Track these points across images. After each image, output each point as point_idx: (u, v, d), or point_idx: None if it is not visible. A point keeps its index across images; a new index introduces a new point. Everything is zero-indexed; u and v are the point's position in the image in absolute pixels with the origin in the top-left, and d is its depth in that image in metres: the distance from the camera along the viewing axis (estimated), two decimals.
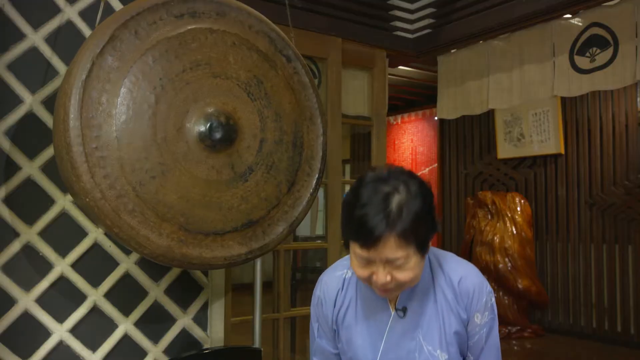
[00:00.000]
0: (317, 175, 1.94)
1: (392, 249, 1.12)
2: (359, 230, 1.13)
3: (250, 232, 1.79)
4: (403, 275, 1.17)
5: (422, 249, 1.18)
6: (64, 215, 1.97)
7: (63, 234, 1.97)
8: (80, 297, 1.99)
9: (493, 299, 1.31)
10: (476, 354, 1.31)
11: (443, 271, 1.31)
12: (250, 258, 1.81)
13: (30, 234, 1.91)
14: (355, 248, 1.18)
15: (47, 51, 1.96)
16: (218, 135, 1.68)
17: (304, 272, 5.69)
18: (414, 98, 7.01)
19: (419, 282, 1.27)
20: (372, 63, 3.59)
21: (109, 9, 2.05)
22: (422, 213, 1.13)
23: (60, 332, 1.94)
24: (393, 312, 1.30)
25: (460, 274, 1.30)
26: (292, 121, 1.88)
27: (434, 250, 1.35)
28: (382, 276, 1.17)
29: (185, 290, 2.22)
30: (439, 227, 1.20)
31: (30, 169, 1.92)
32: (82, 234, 2.00)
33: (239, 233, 1.77)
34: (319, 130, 1.95)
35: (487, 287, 1.30)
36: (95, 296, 2.01)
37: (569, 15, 3.25)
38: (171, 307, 2.17)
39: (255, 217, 1.80)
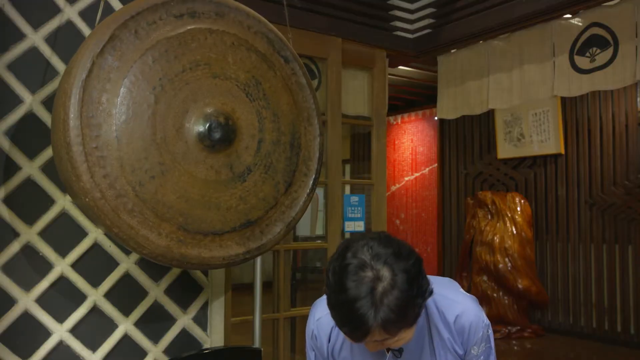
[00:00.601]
0: (314, 176, 1.95)
1: (379, 336, 1.11)
2: (344, 323, 1.12)
3: (248, 232, 1.79)
4: (394, 345, 1.17)
5: (411, 326, 1.15)
6: (64, 215, 1.97)
7: (63, 234, 1.97)
8: (80, 297, 1.99)
9: (490, 331, 1.31)
10: None
11: (438, 309, 1.29)
12: (249, 258, 1.81)
13: (30, 234, 1.91)
14: None
15: (47, 51, 1.96)
16: (217, 135, 1.68)
17: (304, 272, 5.69)
18: (414, 98, 7.01)
19: None
20: (372, 63, 3.59)
21: (108, 9, 2.06)
22: (408, 299, 1.09)
23: (60, 332, 1.94)
24: (388, 354, 1.30)
25: (456, 312, 1.27)
26: (290, 122, 1.89)
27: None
28: (372, 347, 1.18)
29: (185, 290, 2.22)
30: (430, 292, 1.15)
31: (30, 169, 1.92)
32: (82, 234, 2.01)
33: (237, 233, 1.77)
34: (316, 131, 1.96)
35: (483, 320, 1.29)
36: (95, 296, 2.01)
37: (569, 15, 3.25)
38: (171, 307, 2.17)
39: (254, 217, 1.80)
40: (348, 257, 1.12)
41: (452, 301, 1.30)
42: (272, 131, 1.84)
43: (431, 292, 1.15)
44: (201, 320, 2.25)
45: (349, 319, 1.09)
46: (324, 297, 1.38)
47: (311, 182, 1.94)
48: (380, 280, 1.08)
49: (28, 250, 1.90)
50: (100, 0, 2.02)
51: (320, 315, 1.39)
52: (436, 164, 6.93)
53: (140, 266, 2.10)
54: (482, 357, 1.31)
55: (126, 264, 2.08)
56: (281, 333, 3.18)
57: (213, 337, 2.27)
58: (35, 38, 1.94)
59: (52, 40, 1.97)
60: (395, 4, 3.63)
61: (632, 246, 4.98)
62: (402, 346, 1.26)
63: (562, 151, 5.48)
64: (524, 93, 3.53)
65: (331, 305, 1.14)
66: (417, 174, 7.30)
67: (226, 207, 1.74)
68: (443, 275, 6.24)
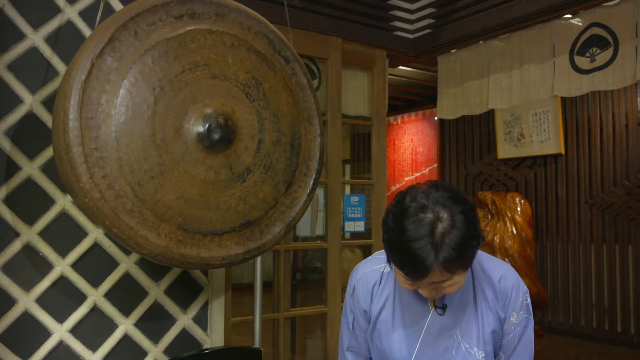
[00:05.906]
0: (314, 176, 1.95)
1: (437, 276, 1.14)
2: (405, 263, 1.14)
3: (247, 232, 1.80)
4: (448, 290, 1.20)
5: (467, 268, 1.20)
6: (64, 215, 1.98)
7: (63, 234, 1.97)
8: (80, 297, 1.99)
9: (529, 299, 1.33)
10: (508, 353, 1.32)
11: (483, 270, 1.33)
12: (248, 258, 1.81)
13: (30, 234, 1.91)
14: (400, 273, 1.20)
15: (47, 51, 1.96)
16: (216, 136, 1.68)
17: (304, 272, 5.70)
18: (414, 98, 7.01)
19: None
20: (372, 63, 3.60)
21: (108, 9, 2.06)
22: (466, 239, 1.13)
23: (60, 332, 1.95)
24: (432, 310, 1.31)
25: (500, 273, 1.32)
26: (290, 122, 1.89)
27: None
28: (427, 292, 1.21)
29: (185, 290, 2.22)
30: (482, 238, 1.19)
31: (30, 169, 1.92)
32: (82, 234, 2.01)
33: (236, 233, 1.77)
34: (317, 131, 1.96)
35: (523, 287, 1.32)
36: (95, 296, 2.01)
37: (569, 15, 3.25)
38: (171, 307, 2.18)
39: (253, 217, 1.80)
40: (407, 201, 1.16)
41: (497, 263, 1.34)
42: (272, 131, 1.84)
43: (483, 238, 1.19)
44: (201, 320, 2.26)
45: (410, 259, 1.12)
46: (367, 258, 1.43)
47: (311, 182, 1.94)
48: (440, 221, 1.11)
49: (28, 250, 1.91)
50: (100, 0, 2.02)
51: (362, 274, 1.41)
52: (436, 164, 6.92)
53: (140, 266, 2.11)
54: (519, 328, 1.31)
55: (126, 264, 2.08)
56: (281, 333, 3.18)
57: (213, 337, 2.27)
58: (36, 38, 1.94)
59: (53, 40, 1.97)
60: (395, 4, 3.63)
61: (632, 246, 4.98)
62: (446, 302, 1.29)
63: (562, 151, 5.48)
64: (524, 93, 3.52)
65: (391, 246, 1.17)
66: (417, 174, 7.29)
67: (225, 207, 1.74)
68: None
